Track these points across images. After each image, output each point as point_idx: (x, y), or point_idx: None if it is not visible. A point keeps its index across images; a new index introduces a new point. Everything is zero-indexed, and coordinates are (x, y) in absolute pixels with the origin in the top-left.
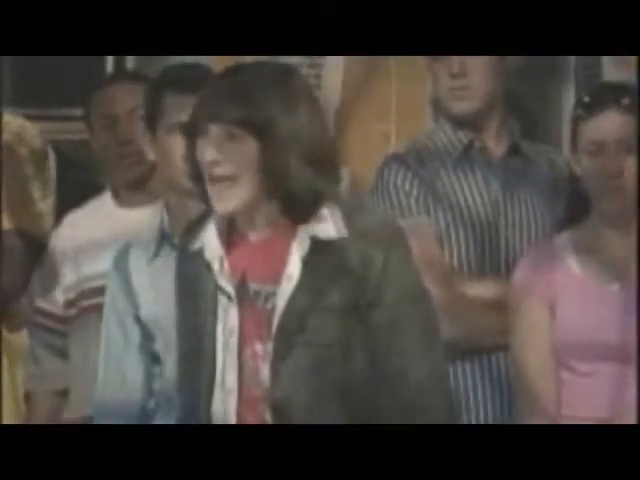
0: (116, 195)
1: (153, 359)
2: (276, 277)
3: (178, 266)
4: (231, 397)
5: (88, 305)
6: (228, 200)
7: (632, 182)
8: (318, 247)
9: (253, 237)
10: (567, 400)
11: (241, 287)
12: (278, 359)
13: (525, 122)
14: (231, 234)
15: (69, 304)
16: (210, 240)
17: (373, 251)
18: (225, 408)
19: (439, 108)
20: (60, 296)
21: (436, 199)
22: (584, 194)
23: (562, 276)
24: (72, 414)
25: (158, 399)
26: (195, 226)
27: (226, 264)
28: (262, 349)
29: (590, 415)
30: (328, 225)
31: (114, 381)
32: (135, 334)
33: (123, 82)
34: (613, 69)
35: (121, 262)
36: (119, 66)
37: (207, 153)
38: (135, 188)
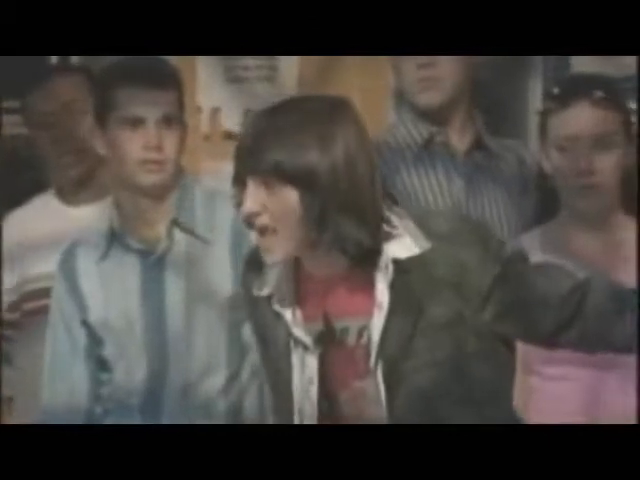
0: (60, 192)
1: (101, 364)
2: (365, 309)
3: (248, 311)
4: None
5: (32, 308)
6: (274, 251)
7: (605, 180)
8: (403, 267)
9: (323, 275)
10: (536, 406)
11: (326, 329)
12: (391, 391)
13: (490, 115)
14: (299, 275)
15: (11, 307)
16: (279, 287)
17: (462, 255)
18: None
19: (403, 100)
20: (2, 299)
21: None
22: (553, 191)
23: None
24: (17, 421)
25: (106, 405)
26: (258, 266)
27: (299, 312)
28: (365, 385)
29: (560, 421)
30: (407, 242)
31: (59, 387)
32: (82, 338)
33: (65, 75)
34: (582, 60)
35: (67, 263)
36: (62, 58)
37: (245, 207)
38: (80, 185)
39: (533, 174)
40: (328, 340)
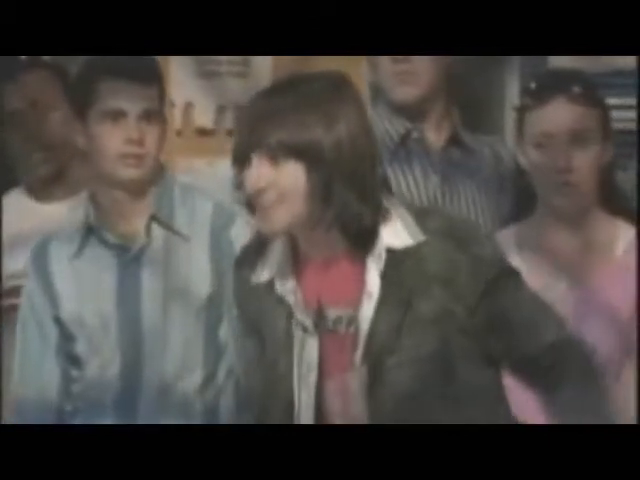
0: (31, 190)
1: (73, 361)
2: (355, 298)
3: (240, 301)
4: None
5: (7, 306)
6: (272, 220)
7: (582, 177)
8: (396, 258)
9: (320, 259)
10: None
11: (319, 316)
12: (370, 384)
13: (466, 110)
14: (296, 259)
15: None
16: (280, 271)
17: (456, 253)
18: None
19: (379, 95)
20: None
21: None
22: (530, 188)
23: None
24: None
25: (77, 403)
26: (251, 255)
27: (300, 295)
28: (352, 377)
29: (536, 422)
30: (402, 232)
31: (30, 384)
32: (53, 334)
33: (34, 72)
34: (559, 56)
35: (40, 257)
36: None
37: (250, 184)
38: (51, 182)
39: (510, 171)
40: (322, 328)
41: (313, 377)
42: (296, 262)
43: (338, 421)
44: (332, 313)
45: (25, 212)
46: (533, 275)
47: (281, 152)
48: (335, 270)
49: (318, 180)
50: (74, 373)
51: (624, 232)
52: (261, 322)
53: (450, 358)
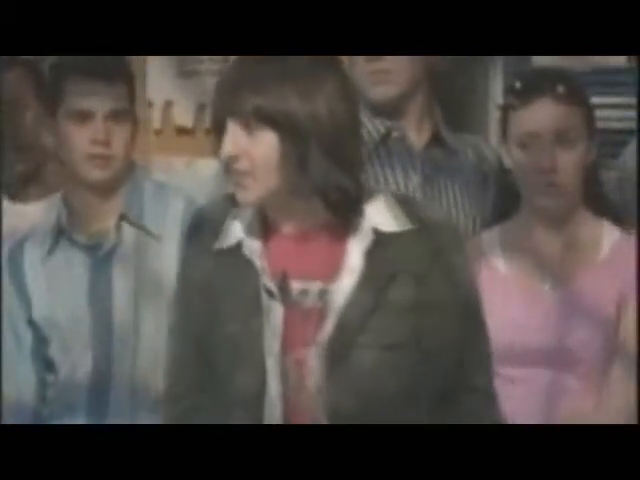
0: (7, 189)
1: (47, 366)
2: (329, 273)
3: (194, 269)
4: (275, 407)
5: None
6: (249, 190)
7: (567, 177)
8: (381, 240)
9: (289, 230)
10: None
11: (282, 287)
12: (333, 360)
13: (449, 109)
14: (263, 228)
15: None
16: (247, 235)
17: (435, 246)
18: (270, 418)
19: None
20: None
21: None
22: (514, 188)
23: (487, 276)
24: None
25: (52, 407)
26: (213, 220)
27: (265, 260)
28: (312, 352)
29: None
30: (388, 216)
31: (6, 388)
32: (28, 337)
33: (9, 70)
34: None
35: (14, 259)
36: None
37: (224, 149)
38: (28, 181)
39: (493, 171)
40: (285, 299)
41: (277, 345)
42: (264, 229)
43: (293, 396)
44: (297, 285)
45: (2, 212)
46: (517, 276)
47: (256, 120)
48: (308, 243)
49: (292, 150)
50: (49, 378)
51: (608, 233)
52: (226, 286)
53: (419, 355)
